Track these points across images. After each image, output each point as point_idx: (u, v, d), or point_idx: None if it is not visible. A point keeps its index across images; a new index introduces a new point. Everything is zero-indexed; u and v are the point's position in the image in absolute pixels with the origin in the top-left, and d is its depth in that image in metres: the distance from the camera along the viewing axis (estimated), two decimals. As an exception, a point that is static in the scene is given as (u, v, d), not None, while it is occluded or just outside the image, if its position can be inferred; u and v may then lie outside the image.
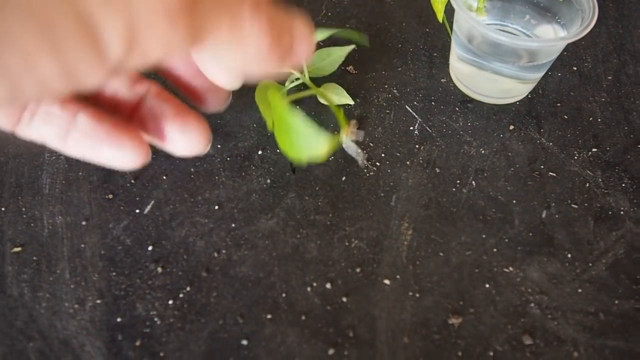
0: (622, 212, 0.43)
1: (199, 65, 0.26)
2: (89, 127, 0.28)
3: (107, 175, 0.44)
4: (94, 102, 0.29)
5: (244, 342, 0.36)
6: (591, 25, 0.43)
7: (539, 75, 0.48)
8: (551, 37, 0.47)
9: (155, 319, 0.36)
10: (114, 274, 0.38)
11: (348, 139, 0.42)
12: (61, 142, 0.28)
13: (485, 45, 0.45)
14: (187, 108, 0.29)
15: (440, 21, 0.48)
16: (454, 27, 0.48)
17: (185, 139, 0.28)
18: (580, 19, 0.45)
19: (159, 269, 0.39)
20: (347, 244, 0.40)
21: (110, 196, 0.42)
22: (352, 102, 0.47)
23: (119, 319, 0.36)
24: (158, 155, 0.45)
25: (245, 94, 0.49)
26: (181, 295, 0.38)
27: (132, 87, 0.30)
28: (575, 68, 0.54)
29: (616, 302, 0.38)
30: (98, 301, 0.37)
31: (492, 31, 0.41)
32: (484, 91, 0.49)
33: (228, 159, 0.45)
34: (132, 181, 0.44)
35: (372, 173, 0.45)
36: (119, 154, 0.28)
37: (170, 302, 0.37)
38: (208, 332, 0.36)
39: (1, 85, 0.16)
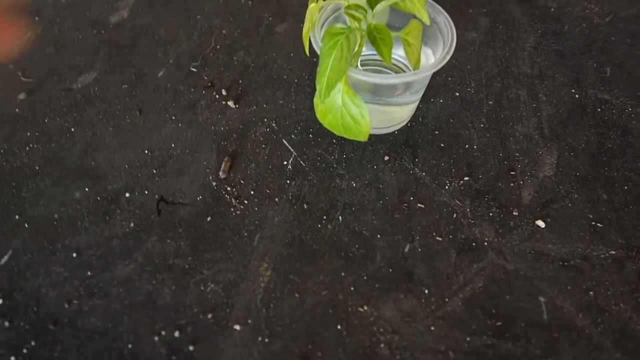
0: (485, 243, 0.43)
1: None
2: None
3: (-34, 225, 0.43)
4: None
5: (83, 397, 0.35)
6: (449, 54, 0.43)
7: (418, 96, 0.48)
8: (416, 70, 0.46)
9: (-10, 379, 0.36)
10: (-47, 332, 0.38)
11: None
12: None
13: (360, 84, 0.44)
14: None
15: (309, 55, 0.48)
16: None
17: None
18: (442, 45, 0.45)
19: (6, 323, 0.38)
20: (202, 288, 0.40)
21: (-34, 248, 0.42)
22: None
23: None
24: (23, 201, 0.45)
25: (122, 134, 0.49)
26: (24, 351, 0.37)
27: None
28: (457, 94, 0.54)
29: (468, 339, 0.38)
30: None
31: (363, 74, 0.41)
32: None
33: (94, 202, 0.45)
34: (-9, 231, 0.43)
35: (238, 212, 0.44)
36: None
37: (12, 358, 0.37)
38: (47, 388, 0.36)
39: None
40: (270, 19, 0.61)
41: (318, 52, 0.42)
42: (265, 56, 0.57)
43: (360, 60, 0.51)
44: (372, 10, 0.42)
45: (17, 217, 0.44)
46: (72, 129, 0.50)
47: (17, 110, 0.52)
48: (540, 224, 0.44)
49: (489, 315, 0.39)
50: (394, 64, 0.50)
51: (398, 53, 0.49)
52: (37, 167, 0.47)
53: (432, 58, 0.48)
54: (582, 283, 0.41)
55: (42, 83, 0.54)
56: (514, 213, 0.45)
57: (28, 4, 0.63)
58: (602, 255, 0.42)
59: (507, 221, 0.44)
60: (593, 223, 0.44)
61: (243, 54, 0.57)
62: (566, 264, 0.42)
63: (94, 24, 0.61)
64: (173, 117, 0.51)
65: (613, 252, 0.42)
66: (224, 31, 0.60)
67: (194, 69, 0.56)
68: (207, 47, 0.58)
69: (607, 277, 0.41)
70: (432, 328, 0.38)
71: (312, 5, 0.44)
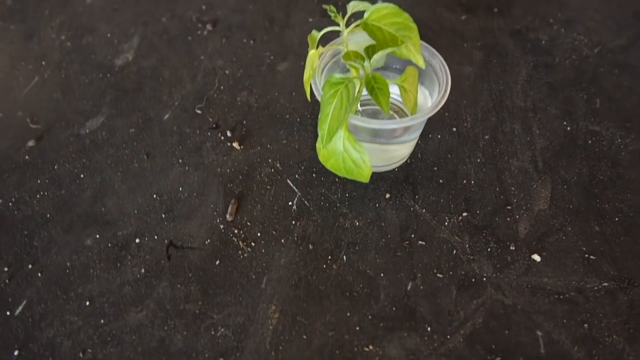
0: (484, 279, 0.45)
1: None
2: None
3: (-17, 275, 0.45)
4: None
5: None
6: (444, 98, 0.45)
7: (416, 134, 0.50)
8: (413, 114, 0.48)
9: None
10: (-25, 384, 0.39)
11: None
12: None
13: (360, 128, 0.46)
14: None
15: (309, 100, 0.50)
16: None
17: None
18: (438, 87, 0.47)
19: (25, 374, 0.40)
20: (213, 332, 0.42)
21: (-16, 298, 0.43)
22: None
23: None
24: (36, 250, 0.46)
25: (131, 178, 0.50)
26: (44, 400, 0.38)
27: None
28: (454, 129, 0.56)
29: (470, 374, 0.40)
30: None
31: (362, 121, 0.43)
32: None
33: (105, 249, 0.46)
34: (7, 281, 0.44)
35: (246, 254, 0.46)
36: None
37: (33, 407, 0.38)
38: None
39: None
40: (272, 58, 0.63)
41: (319, 98, 0.44)
42: (268, 96, 0.59)
43: (360, 101, 0.52)
44: (370, 59, 0.44)
45: (30, 266, 0.46)
46: (82, 175, 0.52)
47: (26, 157, 0.54)
48: (536, 257, 0.46)
49: (489, 350, 0.41)
50: (392, 104, 0.52)
51: (396, 93, 0.51)
52: (48, 215, 0.49)
53: (430, 98, 0.50)
54: (577, 316, 0.42)
55: (51, 129, 0.56)
56: (511, 248, 0.46)
57: (34, 48, 0.65)
58: (596, 288, 0.44)
59: (505, 256, 0.46)
60: (586, 255, 0.46)
61: (246, 94, 0.59)
62: (561, 297, 0.43)
63: (100, 68, 0.63)
64: (180, 160, 0.53)
65: (606, 284, 0.44)
66: (227, 71, 0.62)
67: (198, 111, 0.58)
68: (211, 88, 0.60)
69: (600, 309, 0.43)
70: (436, 366, 0.40)
71: (312, 52, 0.46)
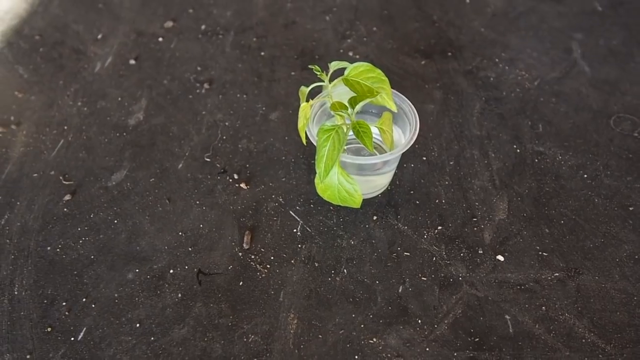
0: (460, 278, 0.55)
1: None
2: None
3: (45, 310, 0.53)
4: None
5: None
6: (415, 135, 0.56)
7: (394, 166, 0.61)
8: (391, 150, 0.59)
9: None
10: (55, 398, 0.47)
11: None
12: None
13: (348, 164, 0.57)
14: None
15: (305, 144, 0.60)
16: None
17: None
18: (409, 126, 0.58)
19: (93, 387, 0.48)
20: (245, 339, 0.51)
21: (49, 329, 0.52)
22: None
23: None
24: (86, 286, 0.55)
25: (158, 220, 0.60)
26: (113, 406, 0.47)
27: None
28: (424, 158, 0.67)
29: (455, 354, 0.50)
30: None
31: (350, 158, 0.54)
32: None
33: (145, 281, 0.56)
34: (67, 313, 0.53)
35: (264, 275, 0.56)
36: None
37: (104, 413, 0.47)
38: None
39: None
40: (264, 109, 0.74)
41: (314, 142, 0.55)
42: (265, 142, 0.70)
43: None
44: (353, 108, 0.55)
45: (84, 299, 0.54)
46: (115, 221, 0.61)
47: (65, 209, 0.63)
48: (500, 258, 0.57)
49: (469, 334, 0.51)
50: (373, 143, 0.63)
51: (376, 133, 0.62)
52: (92, 257, 0.58)
53: (403, 135, 0.61)
54: (536, 301, 0.53)
55: (82, 184, 0.66)
56: (480, 252, 0.57)
57: (55, 115, 0.75)
58: (549, 278, 0.55)
59: (475, 259, 0.57)
60: (540, 253, 0.57)
61: (246, 142, 0.70)
62: (523, 287, 0.54)
63: (116, 128, 0.73)
64: (197, 202, 0.63)
65: (557, 274, 0.55)
66: (226, 123, 0.72)
67: (207, 159, 0.68)
68: (215, 138, 0.70)
69: (554, 294, 0.54)
70: (427, 349, 0.50)
71: (304, 105, 0.57)
